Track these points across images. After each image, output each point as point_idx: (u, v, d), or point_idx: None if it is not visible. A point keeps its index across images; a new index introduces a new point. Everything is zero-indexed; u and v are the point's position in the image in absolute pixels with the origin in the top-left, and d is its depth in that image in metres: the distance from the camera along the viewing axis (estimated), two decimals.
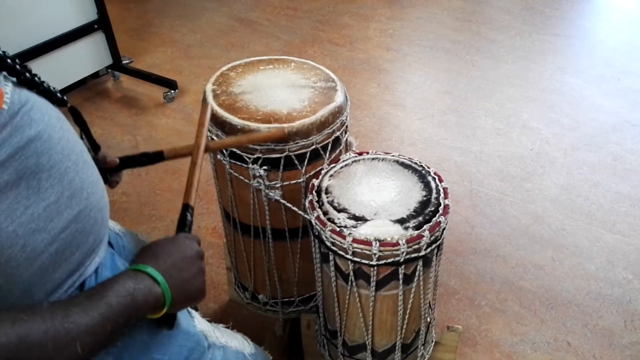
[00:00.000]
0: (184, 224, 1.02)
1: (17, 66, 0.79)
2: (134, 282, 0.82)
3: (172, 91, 3.29)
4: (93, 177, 0.89)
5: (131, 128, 3.07)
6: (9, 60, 0.79)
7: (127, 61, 3.52)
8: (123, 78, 3.53)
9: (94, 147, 1.14)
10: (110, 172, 1.19)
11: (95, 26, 3.15)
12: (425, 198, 1.29)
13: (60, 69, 3.05)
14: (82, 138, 1.00)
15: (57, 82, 2.87)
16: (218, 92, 1.46)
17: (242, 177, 1.44)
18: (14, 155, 0.72)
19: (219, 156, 1.46)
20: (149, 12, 4.37)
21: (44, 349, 0.71)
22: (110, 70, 3.50)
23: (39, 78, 0.83)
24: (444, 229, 1.28)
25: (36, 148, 0.76)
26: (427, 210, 1.26)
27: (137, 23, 4.21)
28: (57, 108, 0.87)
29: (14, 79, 0.79)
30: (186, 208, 1.04)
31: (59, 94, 0.88)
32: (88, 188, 0.86)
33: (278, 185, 1.42)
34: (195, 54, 3.80)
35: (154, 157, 1.23)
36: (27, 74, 0.80)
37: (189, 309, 1.12)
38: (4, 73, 0.78)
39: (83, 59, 3.19)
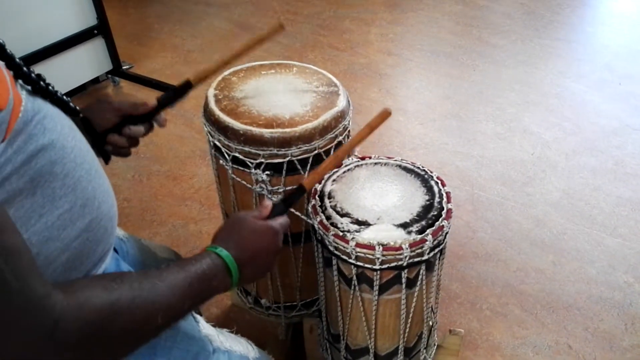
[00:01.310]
0: (287, 202, 1.10)
1: (32, 75, 0.80)
2: (214, 270, 0.88)
3: None
4: (104, 186, 0.90)
5: None
6: (24, 69, 0.79)
7: (127, 66, 3.52)
8: (123, 83, 3.53)
9: (104, 157, 1.14)
10: (153, 115, 1.26)
11: (95, 31, 3.16)
12: (428, 202, 1.30)
13: (60, 75, 3.06)
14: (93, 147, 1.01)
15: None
16: (220, 96, 1.46)
17: (244, 182, 1.44)
18: (29, 163, 0.73)
19: (221, 161, 1.46)
20: (149, 18, 4.38)
21: (132, 315, 0.74)
22: (110, 76, 3.49)
23: (53, 87, 0.84)
24: (446, 233, 1.28)
25: (50, 156, 0.76)
26: (430, 215, 1.26)
27: (137, 28, 4.22)
28: (70, 118, 0.88)
29: (29, 87, 0.79)
30: (299, 189, 1.13)
31: (71, 104, 0.89)
32: (99, 197, 0.87)
33: (281, 190, 1.42)
34: (196, 58, 3.81)
35: (186, 87, 1.32)
36: (42, 83, 0.81)
37: (194, 313, 1.13)
38: (20, 81, 0.78)
39: (83, 64, 3.20)
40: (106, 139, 1.17)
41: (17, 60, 0.79)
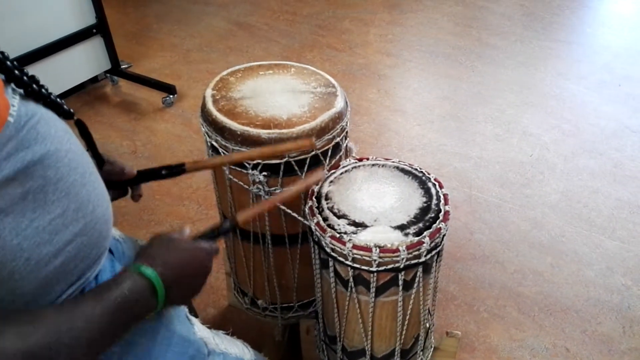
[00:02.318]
0: (216, 231, 1.05)
1: (25, 77, 0.79)
2: (136, 293, 0.82)
3: (171, 96, 3.29)
4: (99, 189, 0.89)
5: (130, 133, 3.06)
6: (16, 72, 0.78)
7: (126, 66, 3.51)
8: (122, 83, 3.53)
9: (98, 161, 1.13)
10: (129, 184, 1.20)
11: (94, 30, 3.15)
12: (425, 204, 1.29)
13: (59, 74, 3.05)
14: (87, 151, 1.00)
15: (55, 87, 2.88)
16: (218, 97, 1.46)
17: (241, 183, 1.43)
18: (21, 169, 0.72)
19: None
20: (148, 17, 4.37)
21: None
22: (108, 75, 3.49)
23: (47, 89, 0.82)
24: (444, 235, 1.28)
25: (43, 161, 0.75)
26: (427, 217, 1.26)
27: (136, 27, 4.21)
28: (64, 120, 0.87)
29: (22, 91, 0.78)
30: (231, 224, 1.08)
31: (65, 106, 0.88)
32: (94, 201, 0.85)
33: (278, 191, 1.41)
34: (194, 58, 3.80)
35: (176, 170, 1.21)
36: (35, 86, 0.80)
37: (189, 315, 1.12)
38: (12, 85, 0.77)
39: (81, 63, 3.19)
40: None
41: (8, 63, 0.78)
